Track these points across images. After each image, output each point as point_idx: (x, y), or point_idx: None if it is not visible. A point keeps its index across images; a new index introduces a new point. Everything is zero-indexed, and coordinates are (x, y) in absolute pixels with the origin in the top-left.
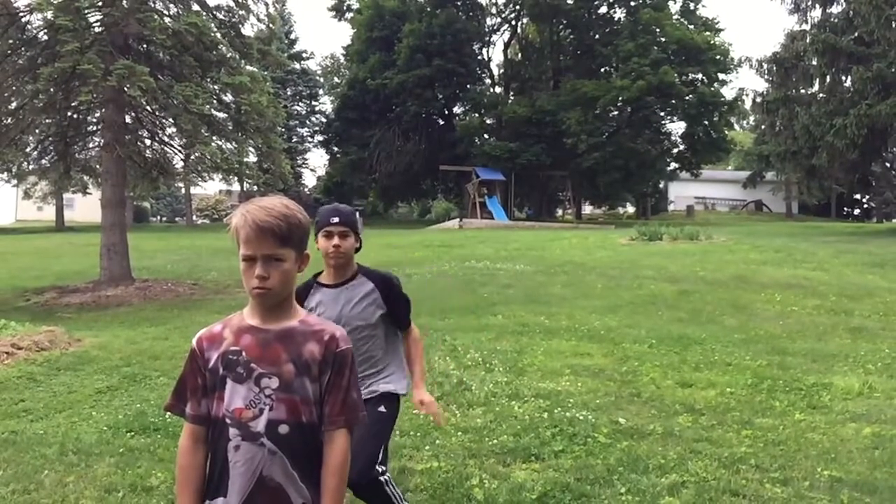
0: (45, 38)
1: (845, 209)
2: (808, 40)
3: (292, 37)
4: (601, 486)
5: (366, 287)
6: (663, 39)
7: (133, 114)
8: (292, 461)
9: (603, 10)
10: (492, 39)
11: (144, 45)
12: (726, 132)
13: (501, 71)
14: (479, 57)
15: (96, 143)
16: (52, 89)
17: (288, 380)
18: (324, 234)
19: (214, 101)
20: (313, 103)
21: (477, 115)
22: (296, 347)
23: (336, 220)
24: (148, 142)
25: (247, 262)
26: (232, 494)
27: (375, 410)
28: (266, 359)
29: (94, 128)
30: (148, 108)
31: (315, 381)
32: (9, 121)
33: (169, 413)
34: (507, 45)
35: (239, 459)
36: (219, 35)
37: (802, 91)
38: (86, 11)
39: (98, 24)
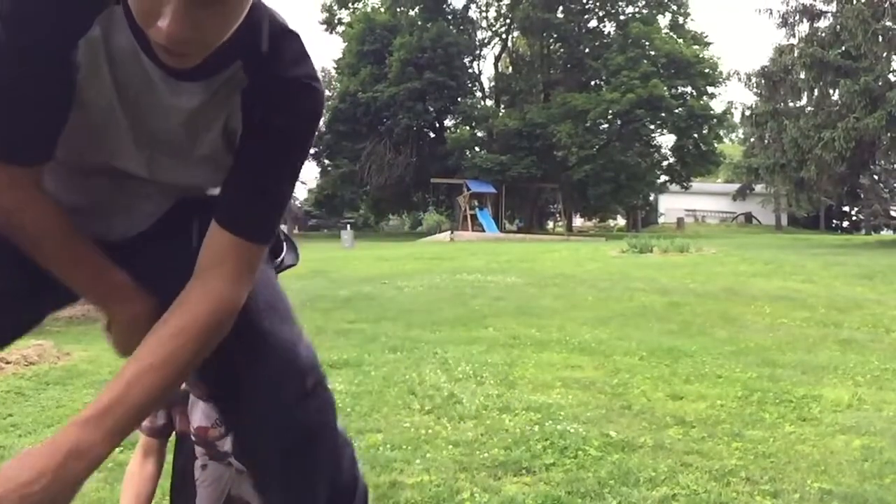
0: None
1: (834, 221)
2: (795, 54)
3: None
4: (592, 499)
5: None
6: (653, 53)
7: None
8: None
9: (593, 23)
10: (482, 53)
11: None
12: (715, 145)
13: (492, 84)
14: (470, 70)
15: None
16: None
17: None
18: None
19: None
20: None
21: (468, 127)
22: None
23: None
24: None
25: None
26: None
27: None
28: None
29: None
30: None
31: None
32: None
33: None
34: (497, 59)
35: (206, 479)
36: None
37: (791, 104)
38: None
39: None
